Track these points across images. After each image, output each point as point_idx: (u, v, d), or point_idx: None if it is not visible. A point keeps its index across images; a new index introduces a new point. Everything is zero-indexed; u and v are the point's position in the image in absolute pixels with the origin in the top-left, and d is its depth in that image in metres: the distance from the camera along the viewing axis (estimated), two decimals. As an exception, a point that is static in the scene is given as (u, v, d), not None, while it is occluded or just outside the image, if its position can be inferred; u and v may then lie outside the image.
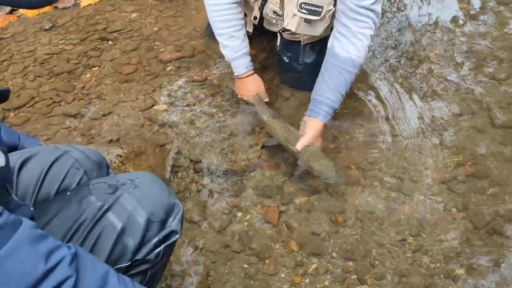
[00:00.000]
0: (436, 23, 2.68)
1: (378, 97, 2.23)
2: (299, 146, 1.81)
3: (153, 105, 2.26)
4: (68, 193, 1.11)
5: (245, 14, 2.21)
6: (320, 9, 1.83)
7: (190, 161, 2.00)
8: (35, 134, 2.11)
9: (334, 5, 1.82)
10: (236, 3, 1.93)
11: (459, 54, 2.43)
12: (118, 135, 2.10)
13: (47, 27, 2.81)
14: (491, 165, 1.89)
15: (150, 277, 1.13)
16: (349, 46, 1.80)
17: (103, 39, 2.70)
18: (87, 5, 3.00)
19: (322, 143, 1.91)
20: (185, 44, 2.63)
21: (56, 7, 2.96)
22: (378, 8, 1.77)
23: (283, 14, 1.93)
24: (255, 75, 2.08)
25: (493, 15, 2.69)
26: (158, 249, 1.09)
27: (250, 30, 2.21)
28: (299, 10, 1.85)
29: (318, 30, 1.95)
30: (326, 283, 1.58)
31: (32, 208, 1.00)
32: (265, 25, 2.14)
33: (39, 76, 2.47)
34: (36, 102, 2.31)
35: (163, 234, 1.09)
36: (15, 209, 0.92)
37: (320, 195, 1.84)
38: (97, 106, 2.27)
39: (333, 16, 1.86)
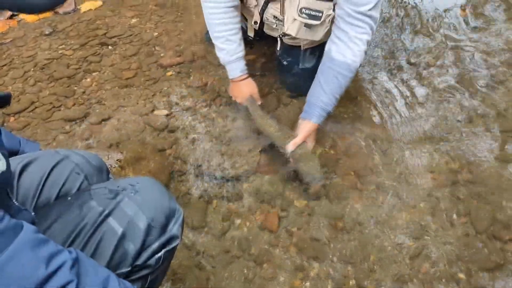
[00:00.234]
0: (436, 28, 2.69)
1: (378, 102, 2.23)
2: (290, 146, 1.85)
3: (153, 110, 2.26)
4: (69, 198, 1.11)
5: (246, 19, 2.23)
6: (320, 14, 1.84)
7: (190, 166, 2.00)
8: (35, 139, 2.11)
9: (334, 10, 1.83)
10: (233, 7, 1.95)
11: (458, 60, 2.44)
12: (118, 140, 2.10)
13: (47, 32, 2.82)
14: (490, 171, 1.89)
15: (150, 282, 1.13)
16: (346, 51, 1.82)
17: (103, 44, 2.71)
18: (88, 10, 3.01)
19: (314, 145, 1.95)
20: (185, 49, 2.63)
21: (56, 12, 2.97)
22: (376, 14, 1.78)
23: (283, 19, 1.95)
24: (249, 78, 2.11)
25: (491, 20, 2.70)
26: (159, 254, 1.09)
27: (251, 34, 2.22)
28: (299, 15, 1.86)
29: (318, 35, 1.96)
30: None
31: (33, 213, 1.00)
32: (265, 30, 2.14)
33: (39, 81, 2.47)
34: (36, 107, 2.31)
35: (163, 239, 1.09)
36: (16, 214, 0.92)
37: (320, 200, 1.84)
38: (97, 111, 2.28)
39: (333, 21, 1.87)
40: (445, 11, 2.83)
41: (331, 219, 1.77)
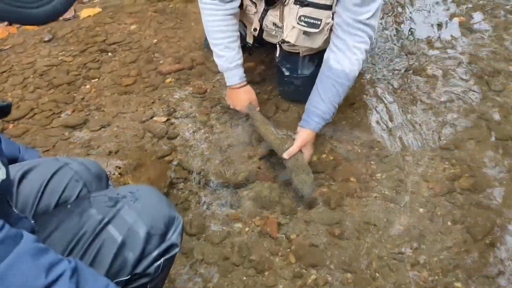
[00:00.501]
0: (434, 35, 2.70)
1: (377, 108, 2.24)
2: (285, 154, 1.86)
3: (153, 116, 2.27)
4: (69, 205, 1.12)
5: (245, 26, 2.24)
6: (319, 22, 1.85)
7: (189, 172, 2.00)
8: (34, 146, 2.11)
9: (333, 18, 1.84)
10: (232, 14, 1.96)
11: (457, 66, 2.44)
12: (118, 146, 2.10)
13: (46, 39, 2.83)
14: (490, 177, 1.89)
15: (149, 291, 1.13)
16: (344, 60, 1.83)
17: (102, 51, 2.72)
18: (87, 16, 3.02)
19: (311, 153, 1.96)
20: (185, 56, 2.64)
21: (56, 19, 2.97)
22: (374, 22, 1.79)
23: (282, 26, 1.96)
24: (248, 86, 2.11)
25: (490, 27, 2.72)
26: (158, 262, 1.09)
27: (250, 41, 2.23)
28: (298, 23, 1.87)
29: (317, 43, 1.97)
30: (326, 295, 1.58)
31: (32, 221, 1.00)
32: (264, 36, 2.15)
33: (38, 88, 2.47)
34: (35, 114, 2.31)
35: (163, 247, 1.09)
36: (15, 221, 0.92)
37: (319, 207, 1.84)
38: (96, 117, 2.28)
39: (331, 29, 1.88)
40: (444, 18, 2.84)
41: (330, 226, 1.77)
